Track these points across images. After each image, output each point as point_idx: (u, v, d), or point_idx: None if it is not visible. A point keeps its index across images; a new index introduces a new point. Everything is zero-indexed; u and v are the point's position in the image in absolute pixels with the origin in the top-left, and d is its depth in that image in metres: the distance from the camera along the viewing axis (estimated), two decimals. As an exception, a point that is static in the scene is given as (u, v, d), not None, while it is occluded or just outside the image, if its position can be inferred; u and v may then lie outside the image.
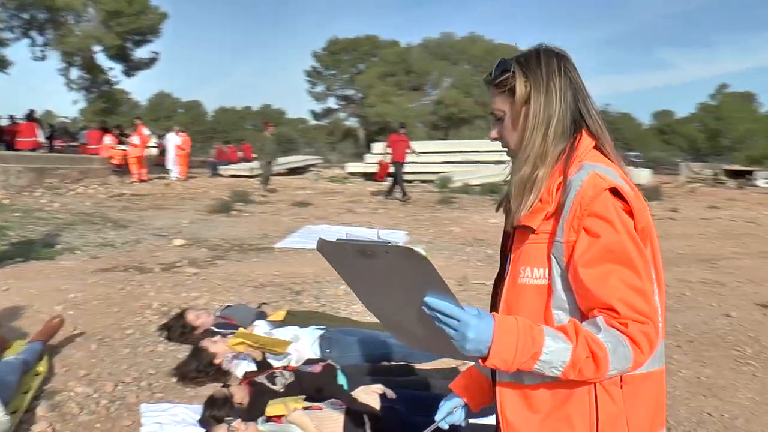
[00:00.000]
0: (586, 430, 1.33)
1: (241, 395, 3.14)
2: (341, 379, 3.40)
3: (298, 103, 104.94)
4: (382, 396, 3.11)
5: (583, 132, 1.41)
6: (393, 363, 3.96)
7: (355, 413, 2.91)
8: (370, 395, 3.08)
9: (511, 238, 1.46)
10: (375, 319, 5.38)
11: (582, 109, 1.40)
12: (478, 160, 21.31)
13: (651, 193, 16.66)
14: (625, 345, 1.24)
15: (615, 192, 1.30)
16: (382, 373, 3.61)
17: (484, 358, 1.24)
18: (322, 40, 59.56)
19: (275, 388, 3.16)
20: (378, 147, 23.57)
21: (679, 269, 8.21)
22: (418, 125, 41.28)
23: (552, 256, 1.34)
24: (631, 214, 1.30)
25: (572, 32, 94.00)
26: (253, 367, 3.69)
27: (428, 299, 1.21)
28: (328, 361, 3.57)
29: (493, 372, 1.49)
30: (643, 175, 20.44)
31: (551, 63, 1.40)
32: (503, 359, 1.23)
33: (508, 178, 1.51)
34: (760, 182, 23.16)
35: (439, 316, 1.21)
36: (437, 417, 1.60)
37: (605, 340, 1.23)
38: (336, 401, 3.03)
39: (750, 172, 25.22)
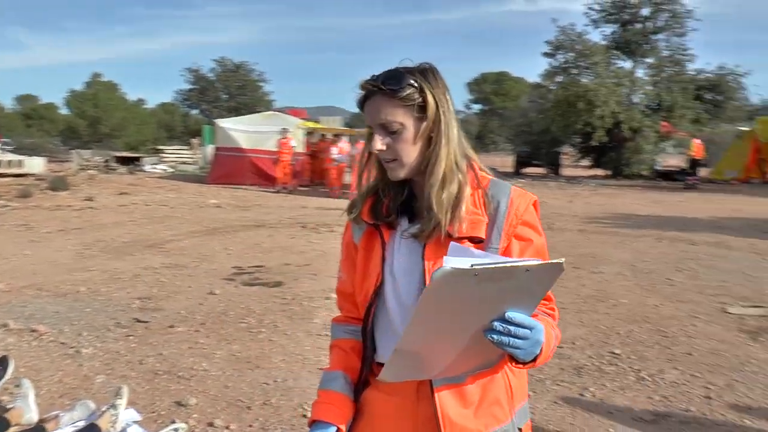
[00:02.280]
0: (507, 405, 1.48)
1: None
2: None
3: None
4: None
5: None
6: None
7: None
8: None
9: (424, 248, 1.44)
10: None
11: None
12: None
13: (58, 183, 16.02)
14: (556, 326, 1.48)
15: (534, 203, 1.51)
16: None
17: (534, 360, 1.30)
18: None
19: None
20: None
21: (137, 257, 8.35)
22: None
23: None
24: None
25: None
26: None
27: (511, 314, 1.20)
28: None
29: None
30: (36, 164, 19.35)
31: (444, 82, 1.45)
32: (546, 356, 1.33)
33: (371, 186, 1.53)
34: (148, 168, 25.01)
35: (511, 328, 1.21)
36: None
37: (555, 325, 1.46)
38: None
39: (138, 159, 27.04)
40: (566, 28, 28.37)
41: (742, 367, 4.73)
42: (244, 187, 18.81)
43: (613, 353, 4.97)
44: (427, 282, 1.41)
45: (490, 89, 74.07)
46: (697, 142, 23.47)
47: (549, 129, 29.00)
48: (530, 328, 1.24)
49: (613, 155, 27.95)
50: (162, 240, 9.75)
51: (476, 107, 75.86)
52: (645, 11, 29.18)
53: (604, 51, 27.98)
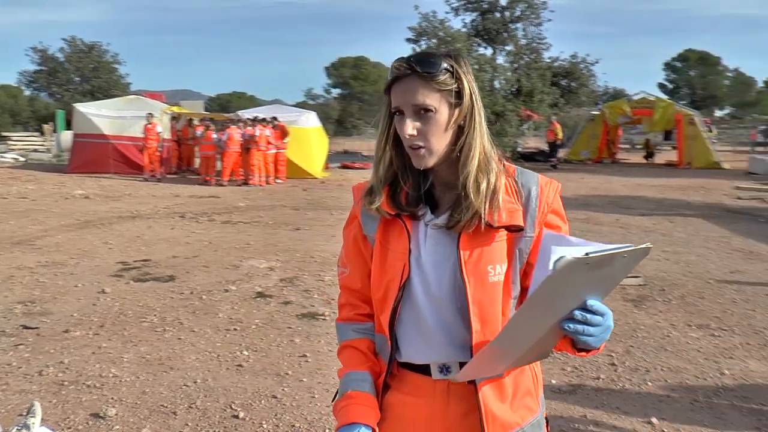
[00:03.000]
0: (535, 395, 1.49)
1: None
2: None
3: None
4: None
5: None
6: None
7: None
8: None
9: (459, 238, 1.38)
10: None
11: None
12: None
13: None
14: None
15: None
16: None
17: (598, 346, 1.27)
18: None
19: None
20: None
21: (6, 256, 7.64)
22: None
23: (517, 251, 1.41)
24: None
25: None
26: None
27: (591, 302, 1.17)
28: None
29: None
30: None
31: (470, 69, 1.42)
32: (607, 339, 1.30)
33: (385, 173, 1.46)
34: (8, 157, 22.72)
35: (588, 316, 1.18)
36: None
37: None
38: None
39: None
40: (428, 15, 28.97)
41: (634, 334, 5.13)
42: (108, 175, 17.68)
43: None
44: (464, 273, 1.38)
45: (349, 74, 74.55)
46: (557, 126, 25.04)
47: (416, 113, 29.52)
48: (603, 315, 1.21)
49: (477, 138, 29.02)
50: (31, 236, 8.95)
51: (335, 91, 76.36)
52: (503, 1, 30.42)
53: (466, 38, 28.88)
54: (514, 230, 1.41)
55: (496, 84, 29.29)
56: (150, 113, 17.82)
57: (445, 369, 1.43)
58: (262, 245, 8.62)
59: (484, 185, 1.38)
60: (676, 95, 60.74)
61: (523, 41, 30.71)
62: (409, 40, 29.77)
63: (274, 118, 17.97)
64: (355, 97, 73.12)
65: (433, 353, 1.43)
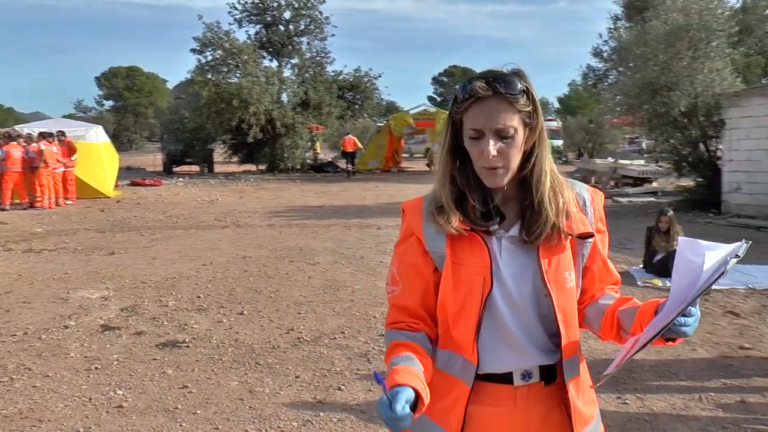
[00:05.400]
0: (592, 387, 1.58)
1: None
2: None
3: None
4: None
5: None
6: None
7: None
8: None
9: (538, 249, 1.45)
10: None
11: None
12: None
13: None
14: None
15: None
16: None
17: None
18: None
19: None
20: None
21: None
22: None
23: (580, 256, 1.53)
24: None
25: None
26: None
27: (697, 298, 1.27)
28: None
29: (553, 373, 1.49)
30: None
31: None
32: None
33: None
34: None
35: (692, 310, 1.29)
36: None
37: None
38: None
39: None
40: (212, 26, 28.37)
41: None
42: None
43: (382, 334, 5.44)
44: (547, 281, 1.45)
45: (122, 84, 70.35)
46: (348, 138, 26.00)
47: (203, 126, 28.61)
48: (695, 306, 1.30)
49: (267, 151, 28.89)
50: None
51: (108, 103, 71.58)
52: (287, 14, 30.73)
53: (252, 50, 28.71)
54: (584, 237, 1.50)
55: (284, 97, 29.50)
56: None
57: (527, 375, 1.48)
58: (82, 273, 7.93)
59: (561, 201, 1.47)
60: (445, 106, 65.82)
61: (308, 55, 31.31)
62: (193, 50, 28.94)
63: (61, 133, 16.42)
64: (129, 109, 69.00)
65: (517, 360, 1.47)
